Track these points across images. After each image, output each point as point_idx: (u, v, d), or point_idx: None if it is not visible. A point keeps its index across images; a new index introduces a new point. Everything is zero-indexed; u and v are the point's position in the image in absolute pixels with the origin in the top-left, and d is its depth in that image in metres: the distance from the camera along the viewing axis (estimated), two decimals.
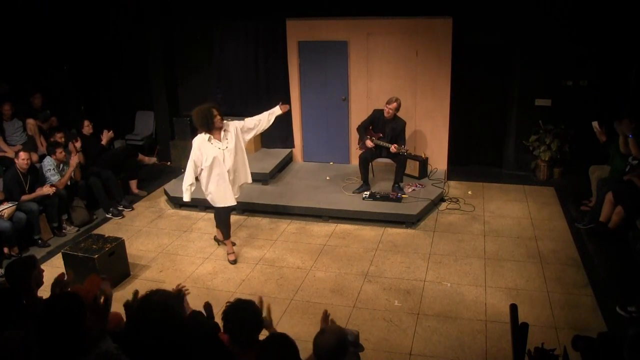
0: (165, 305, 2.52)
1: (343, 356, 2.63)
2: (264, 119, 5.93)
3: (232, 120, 5.83)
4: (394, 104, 6.98)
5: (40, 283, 3.51)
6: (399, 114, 7.17)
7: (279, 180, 8.00)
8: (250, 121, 5.88)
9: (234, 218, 7.10)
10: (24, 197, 6.35)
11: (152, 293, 2.54)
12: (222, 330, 3.15)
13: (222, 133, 5.60)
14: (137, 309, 2.54)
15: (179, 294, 3.39)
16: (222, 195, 5.76)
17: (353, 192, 7.27)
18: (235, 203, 5.93)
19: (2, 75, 8.41)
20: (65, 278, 3.53)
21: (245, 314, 2.83)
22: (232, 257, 6.00)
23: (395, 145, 6.95)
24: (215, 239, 6.39)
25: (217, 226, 6.16)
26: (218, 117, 5.52)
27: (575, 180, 7.29)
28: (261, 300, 3.16)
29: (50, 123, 8.38)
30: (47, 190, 6.49)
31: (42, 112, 8.43)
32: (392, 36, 7.80)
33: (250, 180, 6.05)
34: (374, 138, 7.12)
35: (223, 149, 5.59)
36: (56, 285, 3.45)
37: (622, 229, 5.83)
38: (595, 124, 6.74)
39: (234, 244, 6.19)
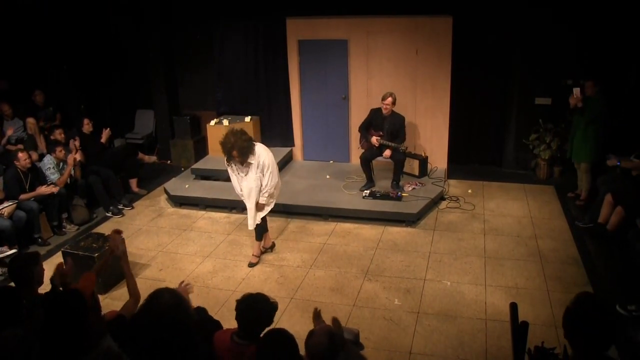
0: (175, 307, 2.51)
1: (336, 354, 2.63)
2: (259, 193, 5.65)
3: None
4: (389, 99, 7.01)
5: (40, 281, 3.51)
6: (400, 111, 7.19)
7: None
8: (265, 177, 5.57)
9: (234, 217, 7.13)
10: (23, 196, 6.34)
11: (160, 293, 2.51)
12: (222, 327, 3.16)
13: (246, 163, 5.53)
14: (147, 310, 2.52)
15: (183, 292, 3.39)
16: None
17: (360, 189, 7.27)
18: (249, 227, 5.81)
19: (2, 73, 8.42)
20: (64, 267, 3.56)
21: (260, 307, 2.91)
22: (253, 260, 5.96)
23: (388, 151, 7.07)
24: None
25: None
26: (236, 159, 5.42)
27: (575, 179, 7.30)
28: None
29: (55, 120, 8.38)
30: (46, 190, 6.47)
31: (44, 109, 8.44)
32: (392, 35, 7.79)
33: (250, 227, 5.81)
34: (378, 138, 7.13)
35: (242, 176, 5.59)
36: (55, 276, 3.48)
37: (622, 228, 5.82)
38: (577, 90, 6.78)
39: (268, 250, 6.15)
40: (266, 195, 5.62)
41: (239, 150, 5.35)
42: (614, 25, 7.23)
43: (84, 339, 2.43)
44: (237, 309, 2.93)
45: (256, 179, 5.54)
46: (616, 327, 2.30)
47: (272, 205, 5.87)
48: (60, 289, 3.51)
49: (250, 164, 5.49)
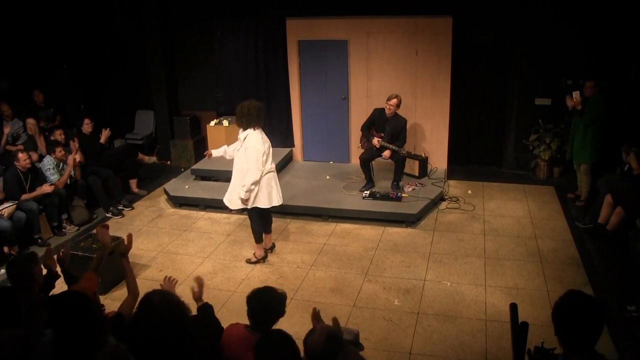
0: (166, 305, 2.52)
1: (335, 355, 2.63)
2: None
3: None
4: (394, 100, 6.99)
5: (40, 281, 3.52)
6: (400, 112, 7.19)
7: (278, 179, 7.98)
8: (246, 163, 5.51)
9: (234, 217, 7.13)
10: (24, 196, 6.34)
11: (151, 297, 2.53)
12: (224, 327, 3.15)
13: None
14: (139, 311, 2.53)
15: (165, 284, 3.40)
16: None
17: (360, 190, 7.26)
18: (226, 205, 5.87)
19: (2, 73, 8.41)
20: (62, 253, 3.62)
21: (271, 299, 2.97)
22: (252, 259, 5.97)
23: (388, 151, 7.06)
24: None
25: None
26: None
27: (575, 179, 7.30)
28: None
29: (55, 121, 8.38)
30: (46, 188, 6.48)
31: (44, 110, 8.43)
32: (392, 35, 7.79)
33: (231, 207, 5.87)
34: (379, 139, 7.13)
35: (238, 149, 5.60)
36: (46, 259, 3.60)
37: (622, 229, 5.82)
38: (577, 93, 6.78)
39: (269, 250, 6.10)
40: (244, 189, 5.49)
41: (238, 111, 5.48)
42: (614, 25, 7.23)
43: (93, 338, 2.44)
44: (248, 304, 2.97)
45: (240, 157, 5.54)
46: (603, 323, 2.32)
47: (249, 203, 5.63)
48: (58, 272, 3.57)
49: (240, 139, 5.53)
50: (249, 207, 5.66)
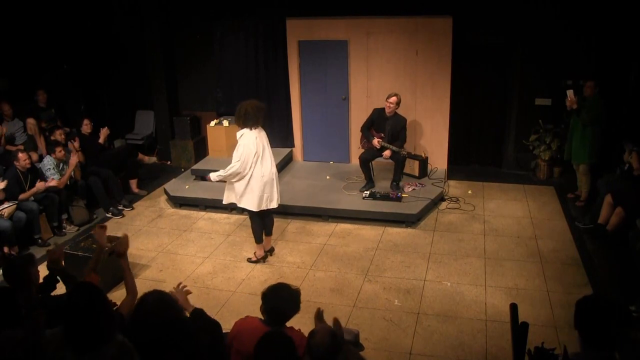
0: (161, 304, 2.53)
1: (337, 354, 2.64)
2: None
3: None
4: (394, 98, 7.00)
5: (36, 283, 3.53)
6: (400, 112, 7.19)
7: (279, 179, 7.98)
8: (234, 157, 5.56)
9: (234, 217, 7.13)
10: (22, 195, 6.34)
11: (145, 297, 2.54)
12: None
13: None
14: (136, 312, 2.55)
15: (176, 291, 3.38)
16: None
17: (360, 190, 7.26)
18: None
19: (2, 73, 8.41)
20: (56, 252, 3.65)
21: (287, 295, 3.05)
22: (252, 257, 6.00)
23: (388, 151, 7.06)
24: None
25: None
26: None
27: (575, 179, 7.30)
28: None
29: (56, 122, 8.38)
30: (40, 185, 6.45)
31: (46, 110, 8.42)
32: (392, 35, 7.79)
33: (224, 201, 5.92)
34: (379, 139, 7.13)
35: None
36: (52, 262, 3.61)
37: (622, 229, 5.82)
38: (570, 92, 6.79)
39: (268, 252, 6.08)
40: (219, 174, 5.56)
41: (237, 110, 5.51)
42: (614, 26, 7.23)
43: (103, 330, 2.44)
44: (263, 300, 3.02)
45: (234, 154, 5.53)
46: (624, 326, 2.37)
47: (232, 199, 5.73)
48: (56, 275, 3.59)
49: (237, 137, 5.56)
50: (237, 203, 5.72)
